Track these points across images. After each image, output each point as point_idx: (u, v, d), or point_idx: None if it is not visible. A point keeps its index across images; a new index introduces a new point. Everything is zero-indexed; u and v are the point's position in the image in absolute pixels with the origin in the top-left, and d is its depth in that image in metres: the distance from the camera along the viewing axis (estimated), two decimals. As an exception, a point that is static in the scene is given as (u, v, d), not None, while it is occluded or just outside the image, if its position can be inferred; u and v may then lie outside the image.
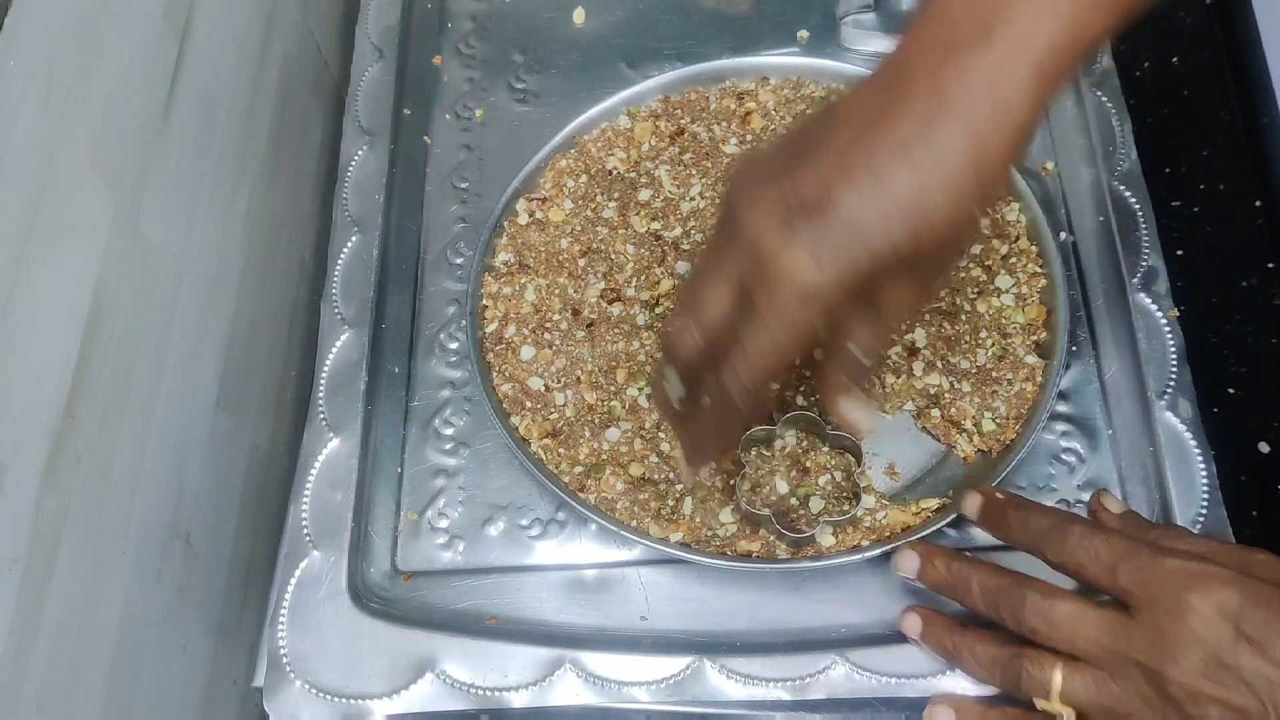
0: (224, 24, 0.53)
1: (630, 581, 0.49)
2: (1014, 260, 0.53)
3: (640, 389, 0.51)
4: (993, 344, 0.51)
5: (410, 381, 0.54)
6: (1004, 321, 0.52)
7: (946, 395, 0.50)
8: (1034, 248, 0.53)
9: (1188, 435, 0.48)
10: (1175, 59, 0.62)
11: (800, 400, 0.51)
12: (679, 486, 0.49)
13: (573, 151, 0.58)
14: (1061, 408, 0.51)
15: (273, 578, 0.51)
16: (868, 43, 0.61)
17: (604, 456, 0.50)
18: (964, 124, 0.33)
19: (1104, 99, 0.57)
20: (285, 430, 0.59)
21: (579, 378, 0.52)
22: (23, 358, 0.37)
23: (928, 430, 0.51)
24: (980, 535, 0.49)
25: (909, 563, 0.44)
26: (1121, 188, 0.54)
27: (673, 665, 0.45)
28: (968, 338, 0.52)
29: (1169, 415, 0.49)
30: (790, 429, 0.50)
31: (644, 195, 0.56)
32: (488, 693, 0.45)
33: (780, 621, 0.47)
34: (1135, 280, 0.52)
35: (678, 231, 0.55)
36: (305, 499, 0.49)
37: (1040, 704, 0.39)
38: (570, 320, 0.53)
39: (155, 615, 0.46)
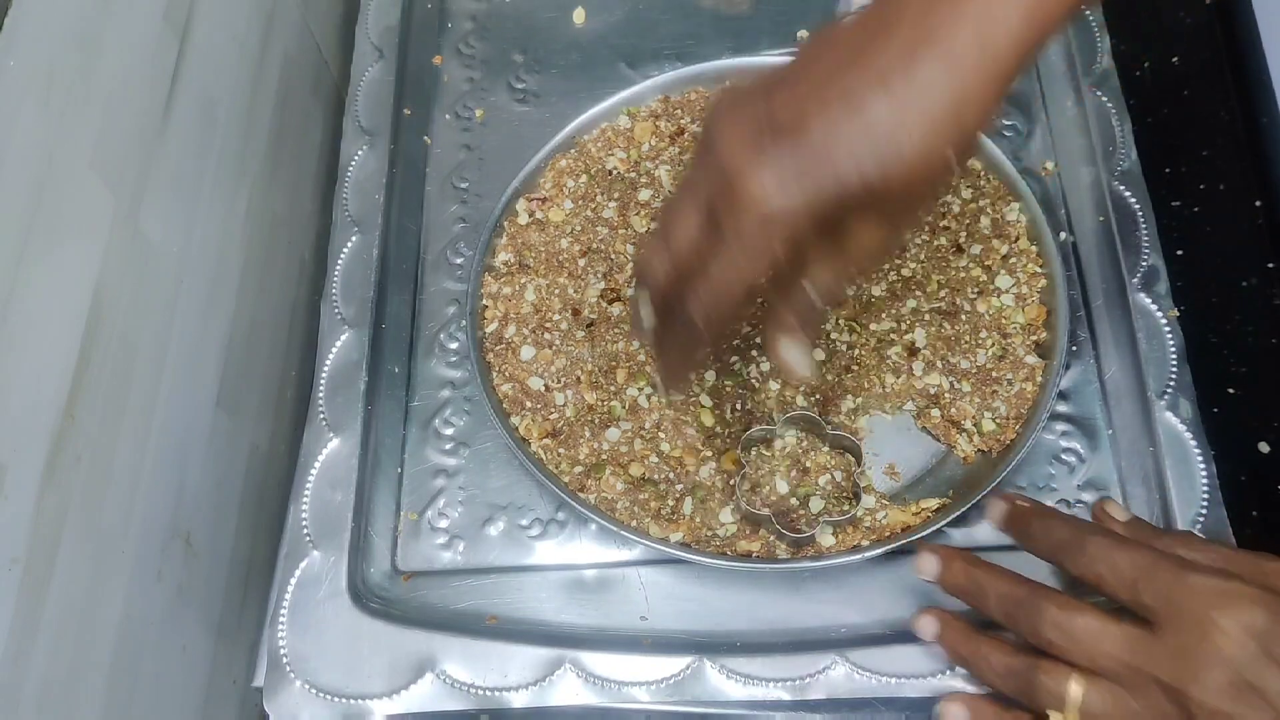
0: (224, 24, 0.53)
1: (630, 581, 0.49)
2: (1014, 260, 0.53)
3: (640, 389, 0.51)
4: (993, 344, 0.51)
5: (410, 381, 0.54)
6: (1004, 321, 0.52)
7: (946, 395, 0.50)
8: (1034, 248, 0.53)
9: (1188, 435, 0.48)
10: (1175, 59, 0.62)
11: (800, 400, 0.51)
12: (679, 486, 0.49)
13: (573, 151, 0.58)
14: (1061, 408, 0.51)
15: (273, 578, 0.51)
16: (868, 43, 0.61)
17: (604, 456, 0.50)
18: (947, 62, 0.33)
19: (1104, 99, 0.57)
20: (285, 430, 0.59)
21: (579, 378, 0.52)
22: (23, 358, 0.37)
23: (928, 430, 0.51)
24: (981, 536, 0.49)
25: (929, 565, 0.43)
26: (1121, 188, 0.54)
27: (673, 665, 0.45)
28: (968, 338, 0.52)
29: (1169, 415, 0.49)
30: (790, 429, 0.50)
31: (644, 195, 0.56)
32: (488, 693, 0.45)
33: (780, 621, 0.47)
34: (1135, 280, 0.52)
35: (678, 231, 0.55)
36: (305, 499, 0.49)
37: (1054, 717, 0.39)
38: (570, 320, 0.53)
39: (155, 615, 0.46)
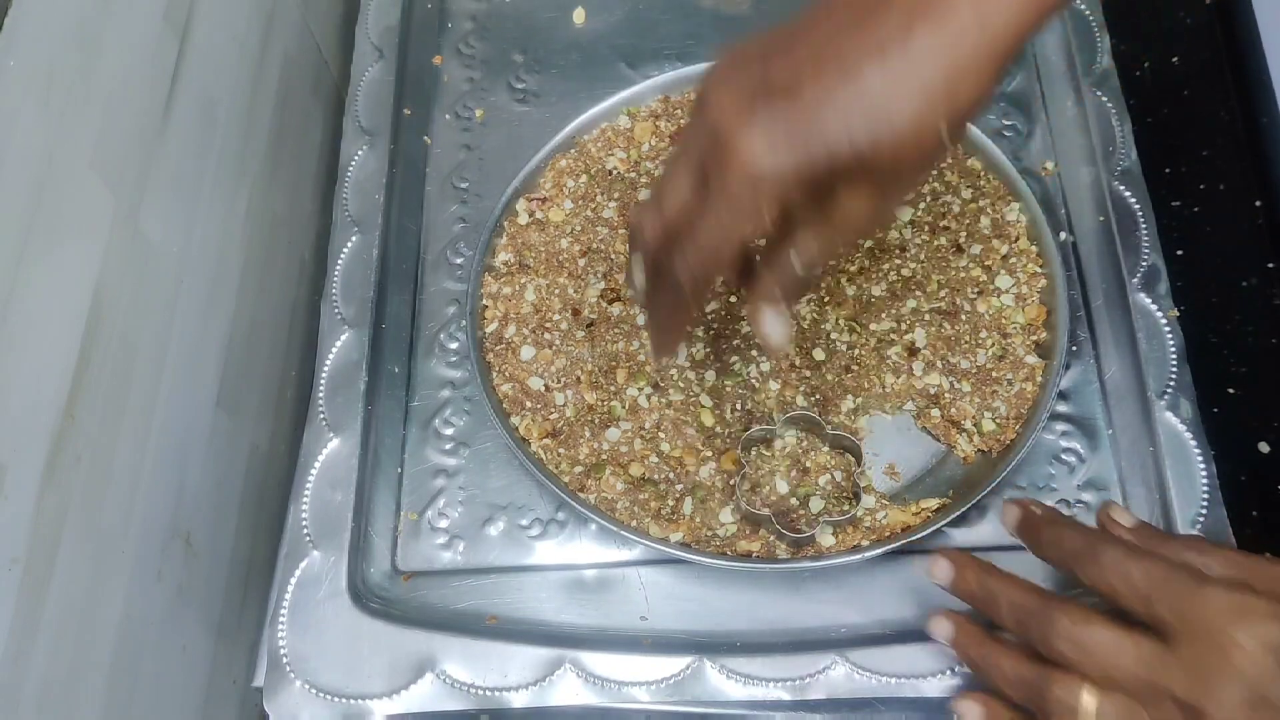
0: (224, 24, 0.53)
1: (630, 581, 0.49)
2: (1014, 260, 0.53)
3: (640, 389, 0.51)
4: (993, 344, 0.51)
5: (410, 381, 0.54)
6: (1004, 321, 0.52)
7: (946, 395, 0.50)
8: (1034, 248, 0.53)
9: (1188, 435, 0.48)
10: (1175, 59, 0.62)
11: (800, 400, 0.51)
12: (679, 486, 0.49)
13: (573, 151, 0.58)
14: (1061, 408, 0.51)
15: (273, 578, 0.51)
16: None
17: (604, 456, 0.50)
18: (944, 37, 0.33)
19: (1104, 99, 0.57)
20: (285, 430, 0.59)
21: (579, 378, 0.52)
22: (23, 358, 0.37)
23: (928, 430, 0.51)
24: (981, 536, 0.49)
25: (942, 570, 0.43)
26: (1121, 188, 0.54)
27: (673, 665, 0.45)
28: (968, 338, 0.52)
29: (1169, 415, 0.49)
30: (790, 429, 0.50)
31: (644, 195, 0.56)
32: (488, 693, 0.45)
33: (780, 621, 0.47)
34: (1135, 280, 0.52)
35: (678, 231, 0.55)
36: (305, 499, 0.49)
37: None
38: (570, 320, 0.53)
39: (155, 615, 0.46)
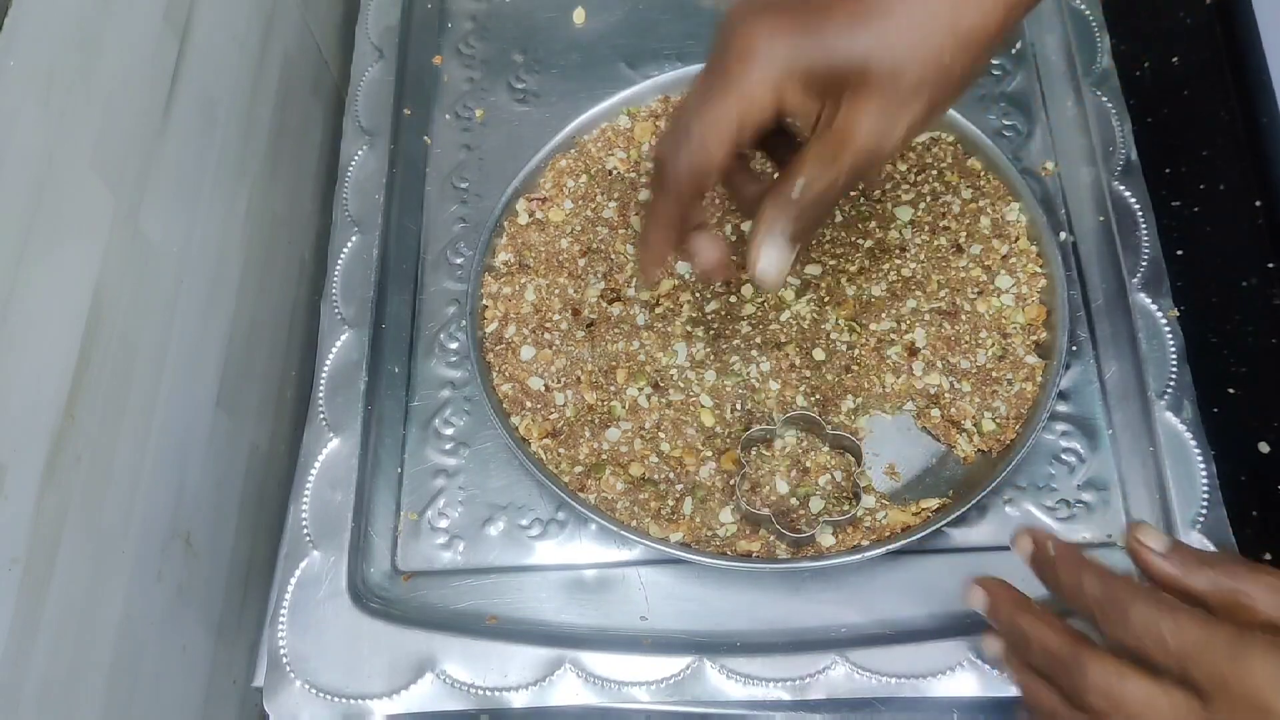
0: (224, 24, 0.53)
1: (630, 581, 0.49)
2: (1014, 260, 0.53)
3: (640, 389, 0.51)
4: (993, 344, 0.51)
5: (410, 381, 0.54)
6: (1004, 321, 0.52)
7: (946, 395, 0.50)
8: (1034, 248, 0.53)
9: (1188, 435, 0.48)
10: (1175, 59, 0.62)
11: (800, 400, 0.51)
12: (679, 486, 0.49)
13: (573, 151, 0.58)
14: (1061, 408, 0.51)
15: (273, 578, 0.51)
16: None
17: (604, 456, 0.50)
18: None
19: (1104, 99, 0.57)
20: (285, 430, 0.59)
21: (579, 378, 0.52)
22: (23, 358, 0.37)
23: (928, 430, 0.51)
24: (980, 536, 0.49)
25: (978, 600, 0.41)
26: (1121, 188, 0.54)
27: (673, 665, 0.45)
28: (968, 338, 0.52)
29: (1169, 415, 0.49)
30: (790, 429, 0.50)
31: (644, 195, 0.56)
32: (488, 693, 0.45)
33: (780, 621, 0.47)
34: (1135, 280, 0.52)
35: (678, 231, 0.55)
36: (305, 499, 0.49)
37: None
38: (570, 320, 0.53)
39: (155, 615, 0.46)
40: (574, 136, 0.58)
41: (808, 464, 0.49)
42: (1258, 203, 0.56)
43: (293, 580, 0.48)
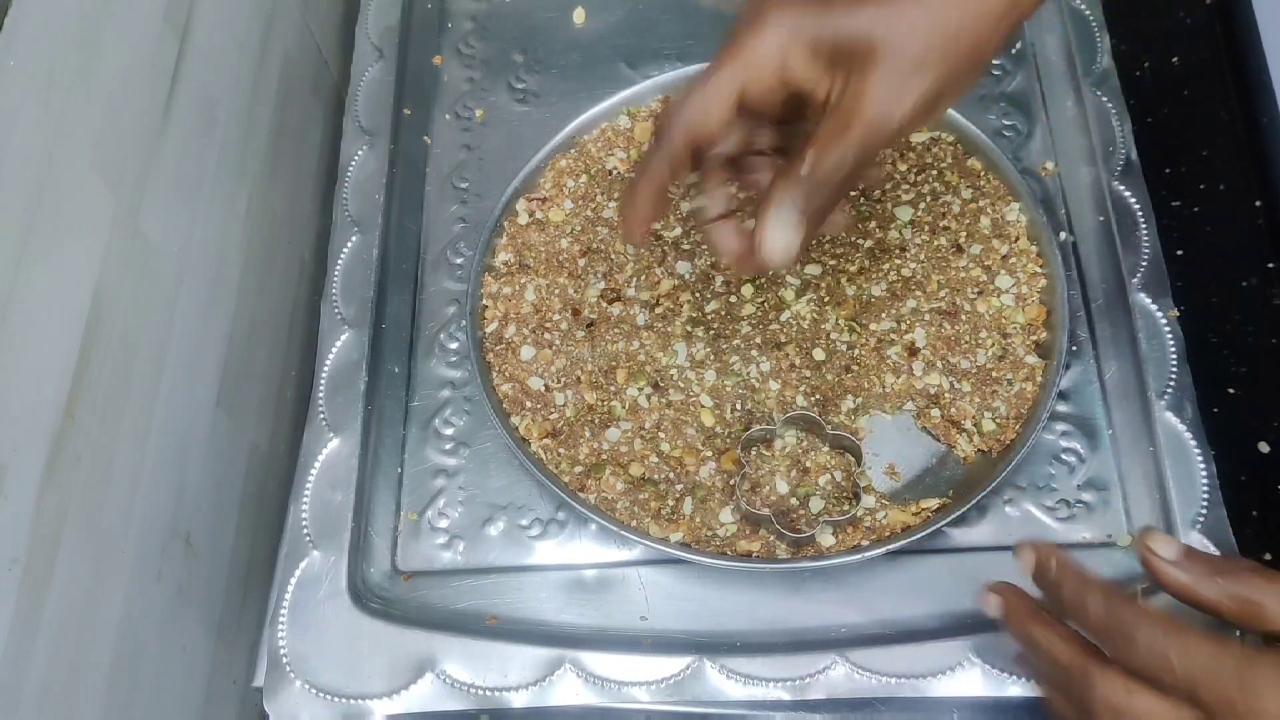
0: (224, 24, 0.53)
1: (630, 581, 0.49)
2: (1014, 260, 0.53)
3: (640, 389, 0.51)
4: (993, 344, 0.51)
5: (410, 381, 0.54)
6: (1004, 321, 0.52)
7: (946, 395, 0.50)
8: (1034, 248, 0.53)
9: (1188, 435, 0.48)
10: (1175, 59, 0.62)
11: (800, 400, 0.51)
12: (679, 486, 0.49)
13: (573, 151, 0.58)
14: (1061, 408, 0.51)
15: (273, 578, 0.51)
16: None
17: (604, 456, 0.50)
18: None
19: (1104, 99, 0.57)
20: (285, 430, 0.59)
21: (579, 378, 0.52)
22: (23, 358, 0.37)
23: (928, 430, 0.51)
24: (979, 536, 0.49)
25: (993, 606, 0.40)
26: (1121, 188, 0.54)
27: (673, 665, 0.45)
28: (968, 338, 0.52)
29: (1169, 415, 0.49)
30: (790, 429, 0.50)
31: (644, 195, 0.56)
32: (488, 693, 0.45)
33: (780, 621, 0.47)
34: (1135, 280, 0.52)
35: (677, 231, 0.55)
36: (305, 499, 0.49)
37: None
38: (570, 320, 0.53)
39: (155, 615, 0.46)
40: (574, 136, 0.58)
41: (808, 464, 0.49)
42: (1258, 203, 0.56)
43: (293, 580, 0.48)
